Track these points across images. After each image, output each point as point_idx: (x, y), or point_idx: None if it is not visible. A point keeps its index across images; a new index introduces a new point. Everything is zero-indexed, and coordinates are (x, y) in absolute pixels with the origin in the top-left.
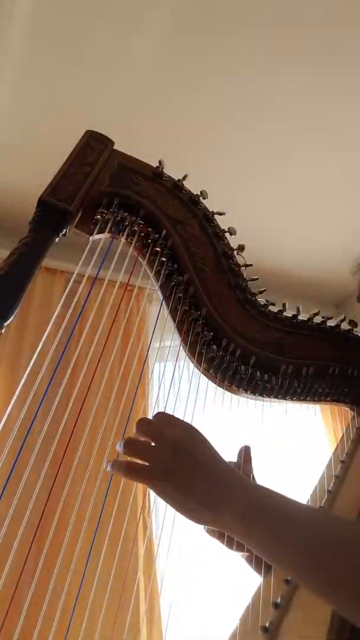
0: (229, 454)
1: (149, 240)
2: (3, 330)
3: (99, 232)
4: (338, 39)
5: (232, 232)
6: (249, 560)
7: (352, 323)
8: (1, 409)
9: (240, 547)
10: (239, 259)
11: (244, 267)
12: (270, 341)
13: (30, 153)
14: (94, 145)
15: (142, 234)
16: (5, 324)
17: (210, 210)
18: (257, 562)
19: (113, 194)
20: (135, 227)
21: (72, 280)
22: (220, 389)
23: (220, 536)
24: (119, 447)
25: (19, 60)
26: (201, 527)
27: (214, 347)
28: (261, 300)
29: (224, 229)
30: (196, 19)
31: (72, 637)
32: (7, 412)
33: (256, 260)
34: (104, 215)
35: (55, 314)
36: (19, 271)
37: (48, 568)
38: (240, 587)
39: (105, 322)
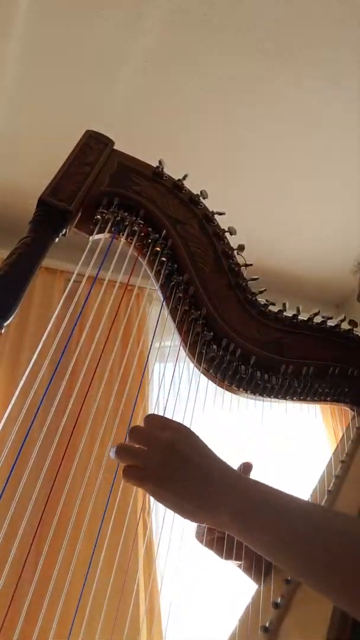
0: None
1: (149, 240)
2: (3, 330)
3: (99, 232)
4: (343, 39)
5: (232, 231)
6: (246, 569)
7: (352, 323)
8: (1, 409)
9: (237, 557)
10: (239, 259)
11: (244, 267)
12: (270, 341)
13: (30, 153)
14: (94, 145)
15: (142, 234)
16: (6, 324)
17: (210, 210)
18: (255, 572)
19: (113, 194)
20: (135, 227)
21: (72, 280)
22: (220, 389)
23: (214, 546)
24: (111, 454)
25: (18, 60)
26: (197, 536)
27: (214, 347)
28: (261, 300)
29: (224, 229)
30: (196, 18)
31: (72, 638)
32: (7, 412)
33: (256, 260)
34: (104, 215)
35: (55, 314)
36: (18, 271)
37: (48, 568)
38: (240, 587)
39: (105, 322)
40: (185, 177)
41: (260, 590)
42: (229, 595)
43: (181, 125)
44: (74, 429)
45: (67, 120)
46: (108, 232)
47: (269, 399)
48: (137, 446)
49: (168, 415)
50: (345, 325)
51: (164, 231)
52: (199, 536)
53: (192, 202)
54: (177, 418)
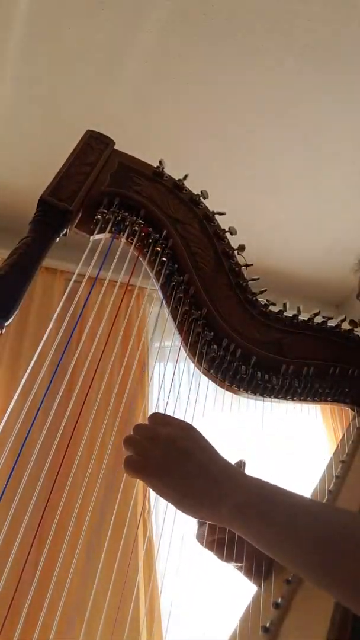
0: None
1: (150, 240)
2: (3, 331)
3: (99, 232)
4: (344, 39)
5: (232, 232)
6: (247, 571)
7: (353, 323)
8: (1, 409)
9: (238, 559)
10: (240, 259)
11: (245, 267)
12: (270, 341)
13: (30, 152)
14: (94, 145)
15: (143, 234)
16: (6, 324)
17: (211, 210)
18: (255, 574)
19: (114, 194)
20: (136, 227)
21: (72, 280)
22: (220, 389)
23: (214, 547)
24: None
25: (18, 60)
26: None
27: (215, 347)
28: (262, 300)
29: (224, 229)
30: (196, 18)
31: (72, 638)
32: (7, 412)
33: (256, 260)
34: (104, 215)
35: (56, 314)
36: (19, 271)
37: (48, 569)
38: (240, 589)
39: (106, 322)
40: (185, 177)
41: (260, 590)
42: (229, 597)
43: (181, 125)
44: (74, 430)
45: (67, 120)
46: (108, 232)
47: (269, 399)
48: (142, 439)
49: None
50: (345, 326)
51: (165, 231)
52: (200, 538)
53: (193, 202)
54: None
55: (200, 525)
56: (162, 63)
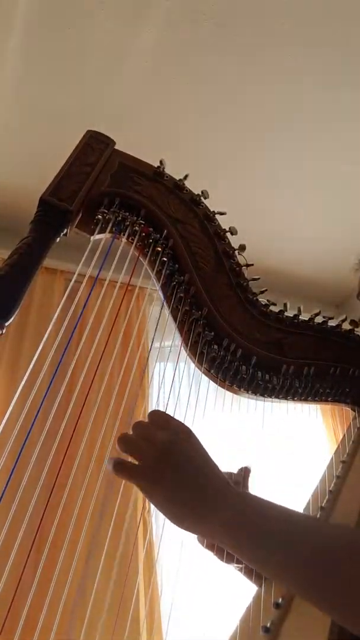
0: (229, 455)
1: (150, 240)
2: (4, 331)
3: (99, 232)
4: (344, 39)
5: (233, 231)
6: (247, 573)
7: (354, 323)
8: (1, 410)
9: (238, 560)
10: (240, 259)
11: (245, 267)
12: (271, 341)
13: (30, 152)
14: (95, 145)
15: (143, 234)
16: (6, 324)
17: (211, 209)
18: (256, 575)
19: (114, 194)
20: (136, 227)
21: (72, 280)
22: (221, 390)
23: (215, 548)
24: (117, 442)
25: (18, 59)
26: (198, 539)
27: (215, 347)
28: (262, 300)
29: (225, 229)
30: (196, 18)
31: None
32: (7, 413)
33: (257, 260)
34: (105, 215)
35: (56, 314)
36: (19, 271)
37: (48, 571)
38: (241, 590)
39: (106, 323)
40: (186, 177)
41: (261, 590)
42: (230, 597)
43: (182, 125)
44: (74, 431)
45: (67, 120)
46: (109, 232)
47: (269, 399)
48: (138, 440)
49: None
50: (346, 326)
51: (165, 231)
52: (200, 539)
53: (193, 202)
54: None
55: None
56: (162, 63)
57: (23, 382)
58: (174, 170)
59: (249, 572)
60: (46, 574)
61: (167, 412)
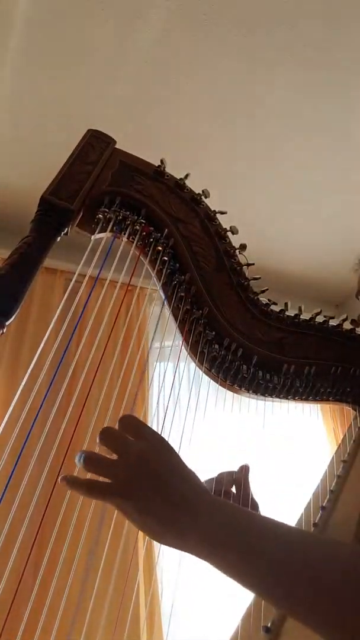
0: (229, 455)
1: (151, 240)
2: (4, 330)
3: (100, 231)
4: (343, 40)
5: (234, 231)
6: None
7: (354, 322)
8: (1, 410)
9: None
10: (241, 258)
11: (246, 266)
12: (272, 341)
13: (31, 152)
14: (95, 144)
15: (144, 233)
16: (7, 324)
17: (212, 209)
18: None
19: (115, 193)
20: (137, 226)
21: (73, 280)
22: (221, 389)
23: None
24: (78, 462)
25: (18, 59)
26: None
27: (216, 346)
28: (263, 299)
29: (225, 228)
30: (196, 18)
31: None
32: (8, 413)
33: (258, 259)
34: (105, 214)
35: (56, 314)
36: (20, 271)
37: (49, 573)
38: (241, 590)
39: (106, 323)
40: (186, 176)
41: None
42: (231, 597)
43: (182, 125)
44: (75, 431)
45: (68, 119)
46: (110, 231)
47: (270, 398)
48: (106, 457)
49: (168, 415)
50: (347, 325)
51: (166, 230)
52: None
53: (194, 201)
54: (177, 418)
55: None
56: (162, 63)
57: (23, 383)
58: (174, 170)
59: None
60: (47, 574)
61: (139, 418)
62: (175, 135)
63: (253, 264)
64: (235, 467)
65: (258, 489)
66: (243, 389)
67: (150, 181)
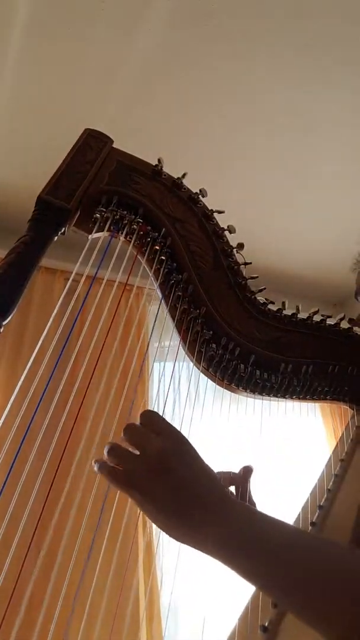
0: (228, 454)
1: (148, 239)
2: (2, 329)
3: (98, 231)
4: (342, 40)
5: (231, 230)
6: None
7: (352, 321)
8: (1, 407)
9: None
10: (238, 257)
11: (244, 266)
12: (269, 340)
13: (29, 151)
14: (93, 143)
15: (141, 233)
16: (4, 323)
17: (210, 208)
18: None
19: (112, 192)
20: (135, 226)
21: (70, 279)
22: (219, 388)
23: None
24: (106, 452)
25: (17, 59)
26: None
27: (214, 345)
28: (260, 298)
29: (223, 227)
30: (196, 18)
31: (72, 635)
32: (7, 410)
33: (255, 258)
34: (103, 213)
35: (54, 313)
36: (17, 270)
37: (48, 565)
38: (240, 586)
39: (104, 322)
40: (184, 175)
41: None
42: (229, 594)
43: (181, 125)
44: (74, 427)
45: (66, 119)
46: (107, 230)
47: (268, 397)
48: (129, 451)
49: (167, 415)
50: (344, 324)
51: (163, 229)
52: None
53: (191, 200)
54: (177, 418)
55: None
56: (162, 63)
57: (22, 381)
58: (172, 169)
59: None
60: (46, 567)
61: (160, 415)
62: (174, 134)
63: (250, 263)
64: (233, 467)
65: (256, 488)
66: (241, 388)
67: (147, 180)
